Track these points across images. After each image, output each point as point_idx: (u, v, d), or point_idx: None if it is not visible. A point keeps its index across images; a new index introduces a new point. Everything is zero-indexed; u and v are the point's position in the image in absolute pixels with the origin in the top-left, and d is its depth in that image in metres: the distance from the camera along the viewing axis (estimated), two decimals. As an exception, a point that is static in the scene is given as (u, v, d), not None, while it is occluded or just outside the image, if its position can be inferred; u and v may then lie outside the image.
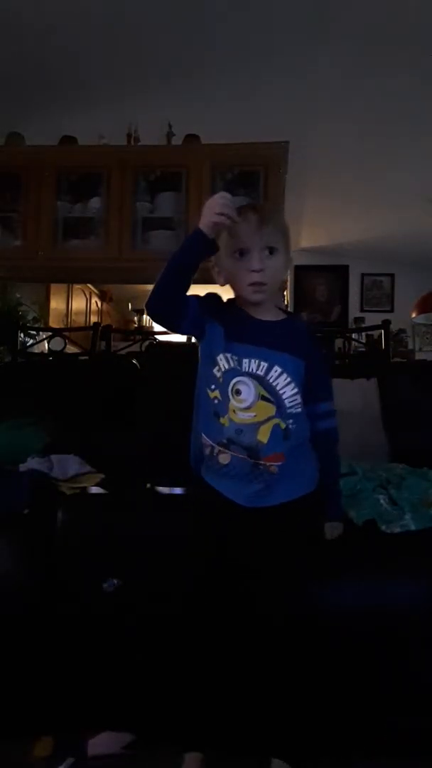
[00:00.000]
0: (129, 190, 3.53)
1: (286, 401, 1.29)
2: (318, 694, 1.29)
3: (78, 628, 1.42)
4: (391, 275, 6.39)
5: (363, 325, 5.21)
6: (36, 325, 4.04)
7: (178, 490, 1.71)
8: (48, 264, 3.62)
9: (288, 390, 1.30)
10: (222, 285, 1.36)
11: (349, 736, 1.32)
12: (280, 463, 1.28)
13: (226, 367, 1.29)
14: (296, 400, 1.30)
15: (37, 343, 3.63)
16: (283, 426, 1.29)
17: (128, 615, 1.41)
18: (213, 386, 1.31)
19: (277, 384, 1.29)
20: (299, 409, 1.31)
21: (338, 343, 3.96)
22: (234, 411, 1.28)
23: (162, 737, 1.30)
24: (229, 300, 1.39)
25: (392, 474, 1.65)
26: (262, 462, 1.27)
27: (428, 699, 1.32)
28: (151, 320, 7.45)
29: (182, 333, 1.40)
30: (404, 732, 1.33)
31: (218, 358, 1.31)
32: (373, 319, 5.07)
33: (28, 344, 3.57)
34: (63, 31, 3.19)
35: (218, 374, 1.30)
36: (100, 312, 6.45)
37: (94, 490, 1.70)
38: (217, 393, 1.30)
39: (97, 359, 3.09)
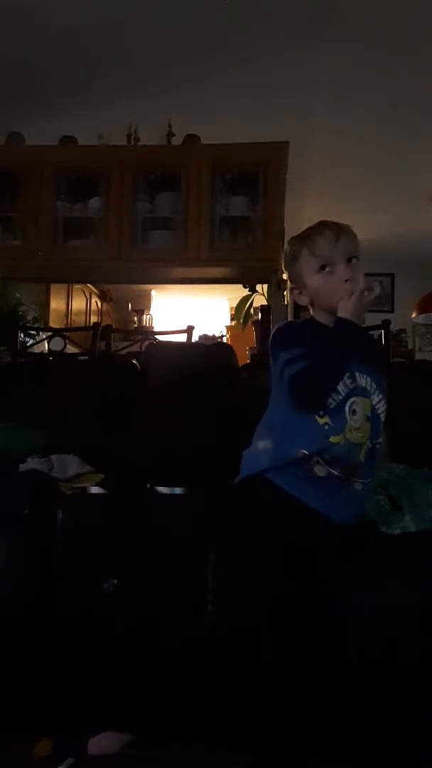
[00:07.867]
0: (129, 190, 3.53)
1: (381, 416, 1.33)
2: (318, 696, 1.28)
3: (78, 627, 1.42)
4: (391, 275, 6.39)
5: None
6: (36, 325, 4.05)
7: (178, 490, 1.71)
8: (48, 264, 3.62)
9: (381, 405, 1.34)
10: (304, 304, 1.38)
11: (343, 737, 1.32)
12: (365, 481, 1.31)
13: (344, 392, 1.29)
14: (385, 413, 1.34)
15: (37, 343, 3.64)
16: (370, 446, 1.31)
17: (128, 614, 1.41)
18: (322, 413, 1.27)
19: (373, 399, 1.32)
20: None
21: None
22: (351, 430, 1.28)
23: (162, 737, 1.30)
24: (309, 322, 1.38)
25: (392, 474, 1.64)
26: (353, 479, 1.29)
27: (428, 699, 1.32)
28: (150, 320, 7.39)
29: None
30: (401, 732, 1.32)
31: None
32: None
33: (28, 344, 3.57)
34: (63, 31, 3.19)
35: (332, 400, 1.28)
36: (100, 312, 6.45)
37: (94, 490, 1.70)
38: (327, 419, 1.27)
39: (97, 359, 3.09)
